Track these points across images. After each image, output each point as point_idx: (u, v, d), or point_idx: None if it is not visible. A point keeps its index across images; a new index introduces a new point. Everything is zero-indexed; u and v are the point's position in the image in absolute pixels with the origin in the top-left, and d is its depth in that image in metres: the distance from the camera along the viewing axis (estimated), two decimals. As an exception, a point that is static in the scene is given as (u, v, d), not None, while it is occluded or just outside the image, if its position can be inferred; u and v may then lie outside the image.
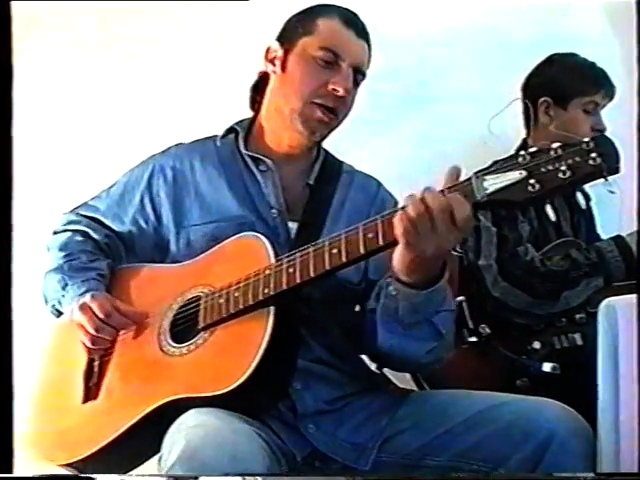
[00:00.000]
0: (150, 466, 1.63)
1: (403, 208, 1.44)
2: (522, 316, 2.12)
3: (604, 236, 2.32)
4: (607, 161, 1.32)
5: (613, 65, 2.33)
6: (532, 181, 1.36)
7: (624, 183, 1.77)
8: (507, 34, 2.50)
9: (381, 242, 1.47)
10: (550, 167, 1.35)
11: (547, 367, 2.06)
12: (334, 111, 1.73)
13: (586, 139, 1.34)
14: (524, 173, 1.36)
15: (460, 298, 2.12)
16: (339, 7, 1.78)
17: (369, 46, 1.77)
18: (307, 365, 1.64)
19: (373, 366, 1.85)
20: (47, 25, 2.39)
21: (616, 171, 1.33)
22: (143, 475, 1.49)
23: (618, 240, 2.13)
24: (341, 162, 1.87)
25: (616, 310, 1.61)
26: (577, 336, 2.12)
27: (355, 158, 1.93)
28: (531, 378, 2.07)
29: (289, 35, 1.77)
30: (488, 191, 1.39)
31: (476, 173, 2.06)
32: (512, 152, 2.23)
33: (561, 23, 2.51)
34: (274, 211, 1.73)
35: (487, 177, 1.40)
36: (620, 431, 1.53)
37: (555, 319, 2.14)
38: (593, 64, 2.27)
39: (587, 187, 2.24)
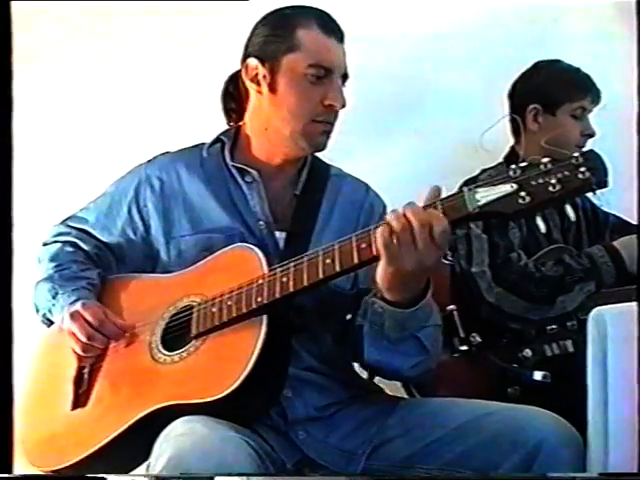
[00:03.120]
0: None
1: (385, 223, 1.46)
2: (518, 321, 2.13)
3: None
4: (596, 175, 1.35)
5: (612, 66, 2.35)
6: (522, 194, 1.39)
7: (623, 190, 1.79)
8: (501, 38, 2.51)
9: (375, 252, 1.49)
10: (540, 180, 1.38)
11: (538, 375, 2.06)
12: (333, 122, 1.74)
13: (575, 154, 1.37)
14: (515, 186, 1.40)
15: (451, 307, 2.12)
16: (313, 10, 1.74)
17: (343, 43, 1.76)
18: (298, 373, 1.65)
19: (364, 374, 1.86)
20: (47, 26, 2.39)
21: (605, 185, 1.36)
22: (152, 475, 1.49)
23: (608, 246, 2.14)
24: (328, 166, 1.87)
25: (605, 318, 1.62)
26: (568, 343, 2.13)
27: (347, 165, 1.92)
28: (522, 386, 2.08)
29: (269, 51, 1.73)
30: (480, 203, 1.42)
31: (467, 185, 2.08)
32: (501, 160, 2.31)
33: (559, 25, 2.53)
34: (261, 223, 1.73)
35: (479, 189, 1.43)
36: (609, 438, 1.53)
37: (548, 325, 2.14)
38: (578, 69, 2.28)
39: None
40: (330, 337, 1.71)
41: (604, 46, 2.48)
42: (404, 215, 1.44)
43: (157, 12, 2.35)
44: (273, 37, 1.73)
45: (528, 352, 2.11)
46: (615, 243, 2.14)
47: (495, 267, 2.11)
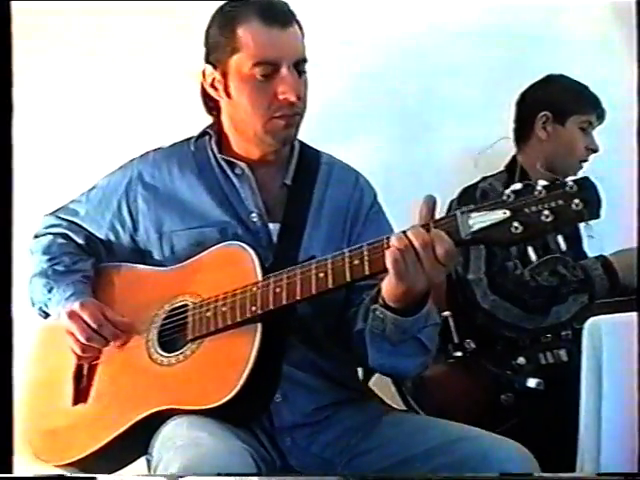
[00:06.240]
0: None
1: (388, 239, 1.46)
2: (512, 329, 2.14)
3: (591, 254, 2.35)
4: (589, 207, 1.34)
5: (613, 68, 2.40)
6: (515, 224, 1.37)
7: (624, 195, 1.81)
8: (504, 41, 2.52)
9: (367, 271, 1.49)
10: (533, 209, 1.36)
11: (532, 383, 2.08)
12: (295, 113, 1.69)
13: (570, 181, 1.35)
14: (508, 213, 1.38)
15: (446, 313, 2.13)
16: (252, 2, 1.68)
17: (298, 24, 1.69)
18: (290, 372, 1.64)
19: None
20: (47, 25, 2.39)
21: (597, 217, 1.35)
22: (144, 475, 1.51)
23: (601, 259, 2.17)
24: (318, 152, 1.84)
25: (601, 328, 1.64)
26: (562, 352, 2.15)
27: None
28: (516, 393, 2.09)
29: (217, 54, 1.69)
30: (473, 229, 1.41)
31: (467, 192, 2.06)
32: (502, 168, 2.34)
33: (559, 29, 2.55)
34: (254, 215, 1.72)
35: (472, 214, 1.41)
36: (602, 445, 1.56)
37: (542, 334, 2.16)
38: (586, 87, 2.32)
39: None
40: (324, 333, 1.69)
41: (603, 48, 2.52)
42: (405, 236, 1.44)
43: (156, 11, 2.37)
44: (219, 39, 1.69)
45: (522, 360, 2.13)
46: (610, 257, 2.17)
47: (491, 275, 2.13)
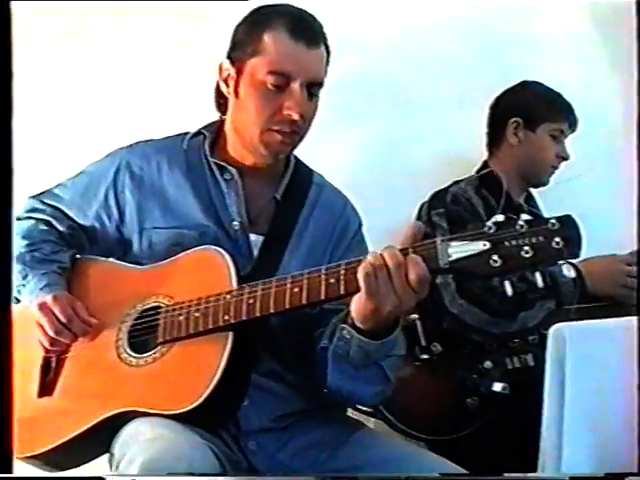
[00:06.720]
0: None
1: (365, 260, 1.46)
2: (479, 334, 2.15)
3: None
4: (569, 246, 1.33)
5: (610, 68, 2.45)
6: (495, 257, 1.36)
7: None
8: (484, 45, 2.55)
9: (342, 291, 1.48)
10: (514, 242, 1.35)
11: (497, 387, 2.09)
12: (294, 131, 1.69)
13: (553, 218, 1.35)
14: (488, 244, 1.37)
15: (414, 316, 2.14)
16: (287, 11, 1.69)
17: (326, 47, 1.70)
18: (258, 379, 1.63)
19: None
20: (47, 24, 2.40)
21: (576, 257, 1.35)
22: (154, 475, 1.51)
23: (571, 266, 2.15)
24: (311, 172, 1.84)
25: (565, 335, 1.66)
26: (529, 357, 2.16)
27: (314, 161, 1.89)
28: (481, 397, 2.11)
29: (238, 53, 1.69)
30: (451, 258, 1.39)
31: (438, 196, 2.04)
32: (473, 173, 2.36)
33: (549, 28, 2.58)
34: (236, 223, 1.72)
35: (452, 243, 1.39)
36: (563, 449, 1.58)
37: (510, 339, 2.17)
38: (560, 95, 2.35)
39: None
40: (294, 350, 1.69)
41: (580, 48, 2.57)
42: (381, 254, 1.44)
43: (157, 12, 2.39)
44: (245, 38, 1.69)
45: (489, 364, 2.14)
46: (579, 264, 2.17)
47: (459, 279, 2.12)
